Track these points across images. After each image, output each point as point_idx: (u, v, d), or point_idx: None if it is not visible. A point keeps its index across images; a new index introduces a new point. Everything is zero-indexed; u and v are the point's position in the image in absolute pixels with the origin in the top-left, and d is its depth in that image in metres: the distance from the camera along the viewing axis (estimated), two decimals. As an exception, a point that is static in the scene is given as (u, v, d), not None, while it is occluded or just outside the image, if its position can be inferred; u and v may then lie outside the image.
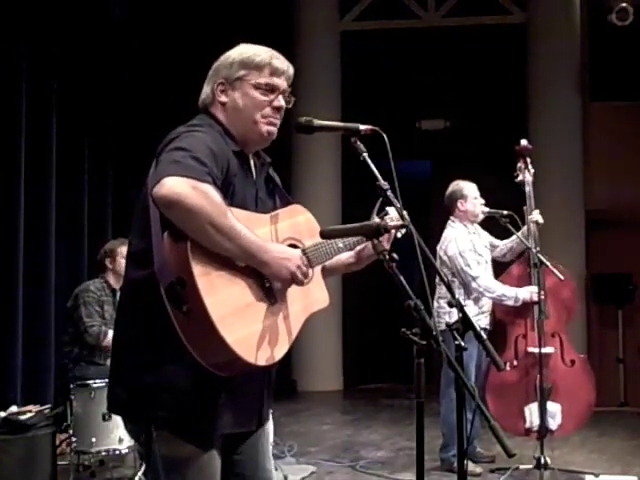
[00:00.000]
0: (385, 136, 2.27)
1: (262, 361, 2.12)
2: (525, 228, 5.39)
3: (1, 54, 6.15)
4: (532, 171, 5.49)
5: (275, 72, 2.35)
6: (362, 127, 2.32)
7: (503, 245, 5.70)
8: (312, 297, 2.38)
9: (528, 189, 5.43)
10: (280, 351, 2.18)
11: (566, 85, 9.42)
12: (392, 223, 2.40)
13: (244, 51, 2.37)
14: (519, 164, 5.49)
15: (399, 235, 2.55)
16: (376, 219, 2.53)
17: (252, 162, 2.38)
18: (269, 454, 2.49)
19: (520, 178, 5.47)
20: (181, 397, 2.15)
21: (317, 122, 2.35)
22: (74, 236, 7.03)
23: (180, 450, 2.19)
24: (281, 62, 2.37)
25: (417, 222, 2.23)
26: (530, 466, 5.10)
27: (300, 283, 2.23)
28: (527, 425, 5.16)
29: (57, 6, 6.72)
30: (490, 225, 5.69)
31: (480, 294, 5.38)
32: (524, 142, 5.51)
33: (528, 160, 5.48)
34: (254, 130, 2.34)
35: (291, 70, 2.40)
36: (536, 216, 5.37)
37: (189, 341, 2.05)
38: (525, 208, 5.40)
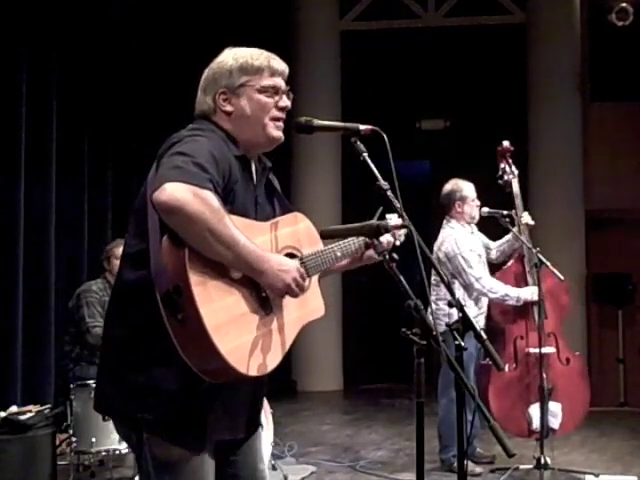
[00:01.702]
0: (385, 136, 2.27)
1: (254, 371, 2.11)
2: (515, 229, 5.38)
3: (1, 54, 6.15)
4: (516, 172, 5.48)
5: (275, 73, 2.34)
6: (362, 127, 2.32)
7: (496, 249, 5.69)
8: (308, 307, 2.36)
9: (515, 189, 5.43)
10: (273, 362, 2.17)
11: (566, 85, 9.41)
12: (392, 223, 2.40)
13: (239, 56, 2.33)
14: (502, 165, 5.49)
15: (398, 243, 2.55)
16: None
17: (253, 167, 2.36)
18: (262, 455, 2.49)
19: (505, 179, 5.47)
20: (168, 401, 2.14)
21: (317, 122, 2.35)
22: (74, 236, 7.02)
23: (171, 452, 2.18)
24: (278, 62, 2.37)
25: (417, 222, 2.23)
26: (530, 466, 5.11)
27: (295, 296, 2.21)
28: (533, 427, 5.15)
29: (57, 6, 6.72)
30: (489, 225, 5.68)
31: (483, 295, 5.37)
32: (506, 143, 5.51)
33: (511, 161, 5.48)
34: (263, 135, 2.33)
35: (287, 69, 2.39)
36: (526, 218, 5.37)
37: (182, 348, 2.04)
38: (514, 212, 5.39)
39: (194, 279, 2.02)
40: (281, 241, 2.30)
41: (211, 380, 2.10)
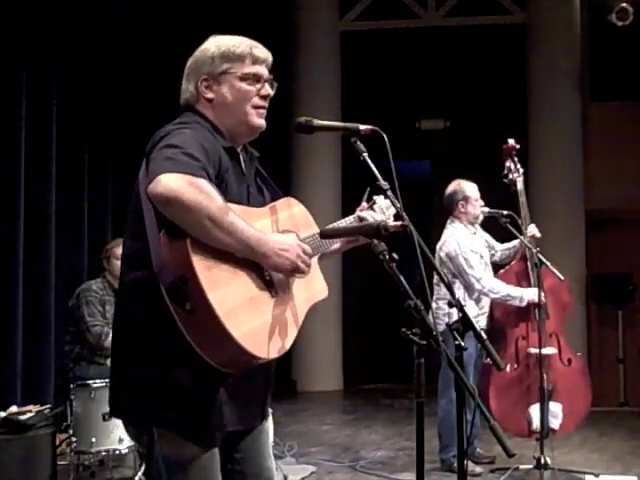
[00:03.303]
0: (385, 136, 2.27)
1: (270, 354, 2.12)
2: (523, 235, 5.34)
3: (1, 55, 6.15)
4: (521, 170, 5.47)
5: (257, 61, 2.35)
6: (362, 127, 2.32)
7: (501, 251, 5.69)
8: (313, 288, 2.38)
9: (520, 188, 5.42)
10: (287, 342, 2.19)
11: (566, 85, 9.41)
12: (392, 223, 2.40)
13: (222, 44, 2.34)
14: (507, 164, 5.48)
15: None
16: (364, 204, 2.58)
17: (241, 157, 2.37)
18: (269, 452, 2.49)
19: (510, 177, 5.46)
20: (185, 397, 2.14)
21: (317, 122, 2.36)
22: (74, 236, 7.03)
23: (183, 450, 2.18)
24: (261, 50, 2.37)
25: (417, 222, 2.23)
26: (530, 466, 5.10)
27: (302, 272, 2.20)
28: (533, 427, 5.15)
29: (57, 6, 6.72)
30: (490, 225, 5.68)
31: (485, 295, 5.36)
32: (511, 141, 5.50)
33: (516, 159, 5.47)
34: (245, 122, 2.33)
35: (270, 57, 2.39)
36: (532, 230, 5.36)
37: (195, 340, 2.03)
38: (522, 217, 5.36)
39: (199, 266, 2.01)
40: (281, 224, 2.31)
41: (227, 370, 2.09)
